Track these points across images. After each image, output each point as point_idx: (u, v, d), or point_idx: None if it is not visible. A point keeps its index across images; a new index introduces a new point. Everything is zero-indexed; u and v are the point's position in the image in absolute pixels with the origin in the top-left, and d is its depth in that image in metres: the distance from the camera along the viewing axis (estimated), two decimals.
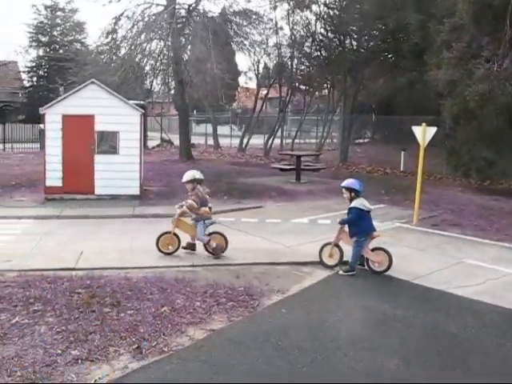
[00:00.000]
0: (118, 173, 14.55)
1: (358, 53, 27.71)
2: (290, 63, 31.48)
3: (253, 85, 36.14)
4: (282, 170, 20.34)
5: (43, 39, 44.41)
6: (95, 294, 6.92)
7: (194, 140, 37.36)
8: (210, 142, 36.85)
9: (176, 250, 9.01)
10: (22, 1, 77.40)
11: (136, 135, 14.71)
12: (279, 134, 33.17)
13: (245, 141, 33.58)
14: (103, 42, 25.00)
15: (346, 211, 8.54)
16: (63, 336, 5.72)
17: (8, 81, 47.63)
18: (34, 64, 45.33)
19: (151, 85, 27.74)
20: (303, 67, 32.70)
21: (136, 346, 5.52)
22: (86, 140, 14.41)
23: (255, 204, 14.80)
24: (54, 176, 14.47)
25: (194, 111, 43.54)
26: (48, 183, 14.54)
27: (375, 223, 8.64)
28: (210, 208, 9.03)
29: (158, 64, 25.76)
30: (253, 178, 20.21)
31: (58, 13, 44.50)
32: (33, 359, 5.20)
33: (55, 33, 44.52)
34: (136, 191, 14.86)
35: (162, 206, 13.92)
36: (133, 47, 24.46)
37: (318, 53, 30.47)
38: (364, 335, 6.00)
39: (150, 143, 35.96)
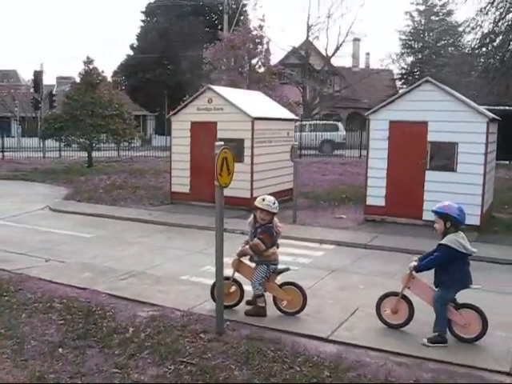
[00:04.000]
0: (452, 195, 11.32)
1: None
2: None
3: None
4: None
5: (415, 45, 42.92)
6: None
7: None
8: None
9: (237, 303, 6.54)
10: (395, 8, 78.26)
11: (480, 148, 11.26)
12: None
13: None
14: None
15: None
16: None
17: (380, 88, 47.86)
18: (405, 71, 44.29)
19: None
20: None
21: None
22: (415, 152, 11.69)
23: None
24: (375, 193, 12.21)
25: None
26: (368, 201, 12.37)
27: None
28: (277, 246, 6.47)
29: None
30: None
31: (432, 17, 42.33)
32: None
33: (428, 38, 42.50)
34: (475, 221, 11.38)
35: (505, 246, 10.25)
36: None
37: None
38: None
39: None
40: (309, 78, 47.13)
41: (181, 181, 14.67)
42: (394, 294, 5.99)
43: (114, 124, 23.49)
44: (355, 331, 5.84)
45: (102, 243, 10.52)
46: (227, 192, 13.12)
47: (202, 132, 14.00)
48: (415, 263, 5.80)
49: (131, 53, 49.77)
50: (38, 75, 28.45)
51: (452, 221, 5.63)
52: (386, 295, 6.06)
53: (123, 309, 6.56)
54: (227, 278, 6.47)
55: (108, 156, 29.88)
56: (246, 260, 6.53)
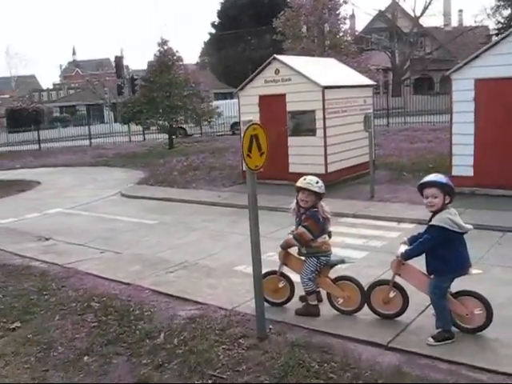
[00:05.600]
0: None
1: None
2: None
3: None
4: None
5: None
6: None
7: None
8: None
9: (288, 300, 5.70)
10: None
11: None
12: None
13: None
14: None
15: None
16: None
17: (475, 47, 44.47)
18: (502, 25, 40.74)
19: None
20: None
21: None
22: (507, 113, 10.20)
23: None
24: (462, 162, 10.85)
25: None
26: (454, 172, 10.95)
27: None
28: (329, 234, 5.47)
29: None
30: None
31: None
32: None
33: None
34: None
35: None
36: None
37: None
38: None
39: None
40: (397, 41, 44.71)
41: None
42: (385, 282, 5.33)
43: (192, 104, 23.16)
44: (423, 336, 4.83)
45: (164, 230, 10.04)
46: (299, 167, 12.56)
47: (271, 105, 13.16)
48: (403, 249, 5.01)
49: (213, 31, 49.48)
50: (118, 61, 28.78)
51: (452, 195, 4.75)
52: (376, 284, 5.39)
53: (164, 307, 5.96)
54: (274, 272, 5.71)
55: (191, 136, 29.81)
56: (294, 251, 5.69)
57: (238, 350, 4.81)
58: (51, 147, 31.31)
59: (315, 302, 5.48)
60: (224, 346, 4.88)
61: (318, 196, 5.35)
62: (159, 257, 8.09)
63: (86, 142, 31.51)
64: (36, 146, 31.57)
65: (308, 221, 5.32)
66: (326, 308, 5.53)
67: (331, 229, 5.62)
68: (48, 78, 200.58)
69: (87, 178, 17.72)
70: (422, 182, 4.82)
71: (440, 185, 4.71)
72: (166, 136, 25.44)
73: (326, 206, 5.49)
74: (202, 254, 8.17)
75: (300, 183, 5.37)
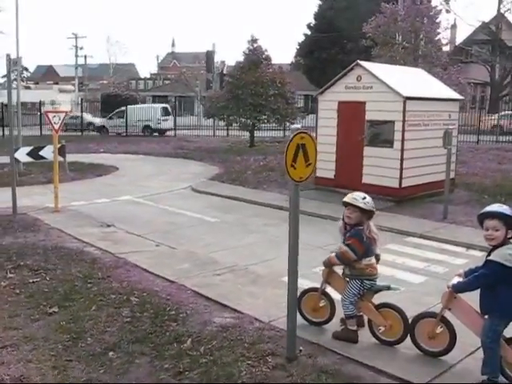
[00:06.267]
0: None
1: None
2: None
3: None
4: None
5: None
6: None
7: None
8: None
9: (328, 321, 5.37)
10: None
11: None
12: None
13: None
14: None
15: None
16: None
17: None
18: None
19: None
20: None
21: None
22: None
23: None
24: None
25: None
26: None
27: None
28: (377, 257, 5.14)
29: None
30: None
31: None
32: None
33: None
34: None
35: None
36: None
37: None
38: None
39: None
40: (499, 55, 42.45)
41: (326, 165, 13.55)
42: (432, 315, 4.86)
43: (276, 104, 23.04)
44: (467, 381, 4.37)
45: (224, 230, 9.93)
46: (372, 179, 12.10)
47: (350, 113, 12.76)
48: (456, 281, 4.59)
49: (308, 32, 49.20)
50: (209, 55, 29.08)
51: None
52: (423, 316, 4.95)
53: (200, 311, 5.81)
54: (316, 290, 5.40)
55: (273, 136, 29.71)
56: (339, 270, 5.36)
57: (262, 368, 4.56)
58: (137, 134, 32.23)
59: (354, 328, 5.13)
60: (249, 362, 4.65)
61: (366, 214, 4.99)
62: (211, 257, 7.97)
63: (172, 133, 32.19)
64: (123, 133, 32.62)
65: (351, 239, 4.99)
66: (365, 335, 5.16)
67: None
68: (146, 68, 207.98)
69: (163, 168, 18.02)
70: (482, 211, 4.37)
71: (503, 217, 4.24)
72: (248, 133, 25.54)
73: (374, 225, 5.12)
74: (254, 258, 8.00)
75: (346, 198, 5.07)
